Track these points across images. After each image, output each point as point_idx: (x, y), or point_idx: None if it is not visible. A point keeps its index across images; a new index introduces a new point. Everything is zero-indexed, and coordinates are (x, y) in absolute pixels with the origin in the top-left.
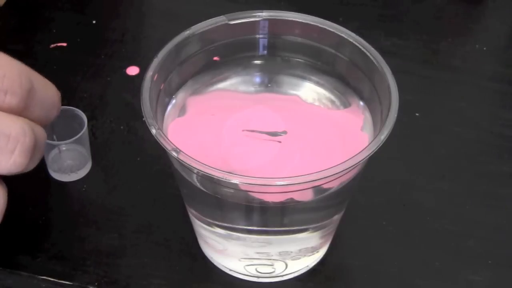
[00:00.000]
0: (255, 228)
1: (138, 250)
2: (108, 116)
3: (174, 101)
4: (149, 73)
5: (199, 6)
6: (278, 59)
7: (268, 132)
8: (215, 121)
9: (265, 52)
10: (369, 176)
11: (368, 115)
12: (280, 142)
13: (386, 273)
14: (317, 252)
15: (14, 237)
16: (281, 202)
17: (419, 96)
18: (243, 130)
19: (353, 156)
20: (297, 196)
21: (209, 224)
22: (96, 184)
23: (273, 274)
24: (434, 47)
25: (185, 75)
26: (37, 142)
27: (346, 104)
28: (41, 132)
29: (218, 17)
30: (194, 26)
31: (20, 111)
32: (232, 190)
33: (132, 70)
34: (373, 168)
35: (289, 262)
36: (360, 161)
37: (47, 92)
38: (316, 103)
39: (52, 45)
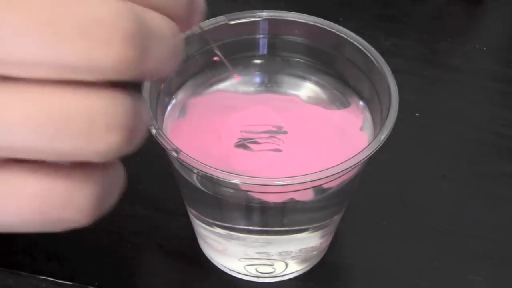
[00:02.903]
0: (255, 228)
1: (138, 250)
2: None
3: (174, 101)
4: None
5: None
6: (278, 59)
7: (268, 132)
8: (215, 121)
9: (265, 52)
10: (369, 176)
11: (368, 115)
12: (279, 143)
13: (386, 273)
14: (317, 252)
15: (14, 237)
16: (281, 202)
17: (419, 96)
18: (242, 131)
19: (353, 156)
20: (297, 196)
21: (209, 224)
22: None
23: (273, 274)
24: (434, 47)
25: (185, 75)
26: (152, 33)
27: (345, 104)
28: (159, 21)
29: (218, 17)
30: (194, 26)
31: None
32: (232, 190)
33: None
34: (373, 168)
35: (289, 262)
36: (360, 161)
37: None
38: (316, 103)
39: None
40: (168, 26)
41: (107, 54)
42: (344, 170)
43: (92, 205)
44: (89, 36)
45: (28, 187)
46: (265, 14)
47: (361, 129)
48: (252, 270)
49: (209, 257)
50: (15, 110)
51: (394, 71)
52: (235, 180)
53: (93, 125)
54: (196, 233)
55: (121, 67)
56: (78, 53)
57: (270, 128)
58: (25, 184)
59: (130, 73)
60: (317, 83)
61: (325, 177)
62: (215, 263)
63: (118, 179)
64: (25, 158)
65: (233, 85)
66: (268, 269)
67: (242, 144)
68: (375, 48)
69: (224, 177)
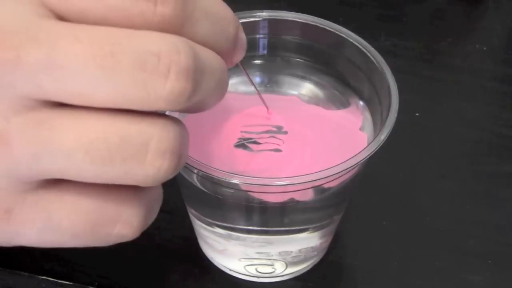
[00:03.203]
0: (255, 228)
1: (138, 250)
2: None
3: None
4: None
5: None
6: (278, 59)
7: (268, 132)
8: (215, 121)
9: (265, 52)
10: (369, 176)
11: (368, 115)
12: (280, 143)
13: (386, 273)
14: (317, 252)
15: None
16: (281, 202)
17: (419, 96)
18: (242, 131)
19: (353, 156)
20: (298, 196)
21: (209, 224)
22: None
23: (273, 274)
24: (434, 47)
25: None
26: (204, 68)
27: (345, 104)
28: (210, 56)
29: None
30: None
31: (179, 26)
32: (232, 190)
33: None
34: (373, 168)
35: (289, 262)
36: (360, 161)
37: (213, 2)
38: (316, 103)
39: None
40: (217, 61)
41: (164, 87)
42: (344, 170)
43: (139, 221)
44: (147, 68)
45: (82, 204)
46: (265, 14)
47: (361, 129)
48: (252, 270)
49: (209, 257)
50: (71, 136)
51: (394, 71)
52: (235, 180)
53: (146, 151)
54: (196, 233)
55: (175, 99)
56: (135, 85)
57: (270, 128)
58: (78, 201)
59: (182, 105)
60: (317, 83)
61: (325, 177)
62: (215, 263)
63: (159, 195)
64: (79, 180)
65: (233, 85)
66: (268, 269)
67: (242, 144)
68: (375, 48)
69: (224, 177)
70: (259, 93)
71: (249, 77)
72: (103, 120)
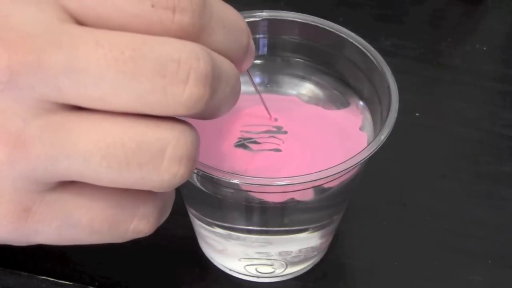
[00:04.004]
0: (255, 228)
1: (138, 250)
2: None
3: None
4: None
5: None
6: (278, 59)
7: (268, 132)
8: (215, 121)
9: (265, 52)
10: (369, 176)
11: (368, 115)
12: (279, 143)
13: (386, 273)
14: (317, 252)
15: None
16: (281, 202)
17: (419, 96)
18: (242, 131)
19: (353, 156)
20: (298, 196)
21: (209, 224)
22: None
23: (273, 274)
24: (434, 47)
25: None
26: (221, 74)
27: (345, 104)
28: (226, 64)
29: None
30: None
31: (196, 34)
32: (232, 190)
33: None
34: (373, 168)
35: (289, 262)
36: (360, 161)
37: (228, 12)
38: (316, 103)
39: None
40: (232, 68)
41: (182, 93)
42: (344, 170)
43: (155, 216)
44: (167, 74)
45: (99, 202)
46: (265, 14)
47: (361, 129)
48: (252, 270)
49: (209, 257)
50: (88, 140)
51: (394, 71)
52: (235, 180)
53: (162, 157)
54: (196, 233)
55: (192, 105)
56: (155, 90)
57: (270, 128)
58: (96, 200)
59: (198, 110)
60: (317, 83)
61: (325, 177)
62: (215, 263)
63: (172, 192)
64: (95, 184)
65: None
66: (268, 269)
67: (242, 144)
68: (375, 48)
69: (224, 177)
70: (262, 99)
71: (253, 82)
72: (121, 124)
